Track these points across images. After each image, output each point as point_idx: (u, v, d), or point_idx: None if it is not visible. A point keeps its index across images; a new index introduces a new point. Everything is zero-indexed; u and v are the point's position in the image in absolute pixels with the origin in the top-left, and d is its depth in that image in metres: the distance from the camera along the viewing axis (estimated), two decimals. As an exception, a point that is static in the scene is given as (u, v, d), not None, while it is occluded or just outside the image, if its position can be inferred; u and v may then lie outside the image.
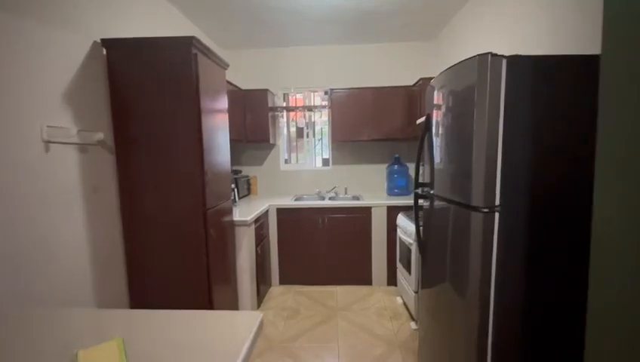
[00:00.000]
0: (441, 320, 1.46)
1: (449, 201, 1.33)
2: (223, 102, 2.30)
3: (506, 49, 1.58)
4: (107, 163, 1.84)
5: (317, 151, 3.87)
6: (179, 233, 1.92)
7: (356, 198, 3.47)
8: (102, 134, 1.72)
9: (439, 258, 1.47)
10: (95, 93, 1.76)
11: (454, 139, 1.27)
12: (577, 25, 1.40)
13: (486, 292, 1.12)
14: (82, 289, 1.65)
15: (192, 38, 1.78)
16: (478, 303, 1.13)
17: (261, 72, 3.65)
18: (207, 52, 1.96)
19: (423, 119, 2.72)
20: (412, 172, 3.58)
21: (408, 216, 2.65)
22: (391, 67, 3.58)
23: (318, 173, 3.78)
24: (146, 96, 1.84)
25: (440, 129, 1.43)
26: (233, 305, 2.44)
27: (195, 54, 1.82)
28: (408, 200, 3.09)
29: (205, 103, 1.93)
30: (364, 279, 3.20)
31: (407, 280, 2.53)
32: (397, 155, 3.52)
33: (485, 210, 1.08)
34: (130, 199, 1.90)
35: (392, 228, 3.06)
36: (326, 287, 3.18)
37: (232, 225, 2.44)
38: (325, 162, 3.85)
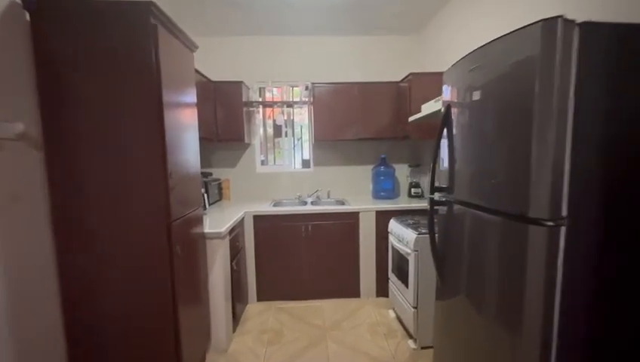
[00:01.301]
0: (472, 354, 1.21)
1: (483, 210, 1.08)
2: (191, 92, 1.92)
3: None
4: (32, 163, 1.39)
5: (296, 151, 3.54)
6: (135, 252, 1.52)
7: (341, 203, 3.19)
8: (22, 125, 1.28)
9: (468, 278, 1.21)
10: (12, 72, 1.31)
11: (496, 133, 1.02)
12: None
13: (547, 330, 0.87)
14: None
15: (150, 3, 1.39)
16: (537, 343, 0.89)
17: (234, 62, 3.27)
18: (170, 26, 1.58)
19: (417, 116, 2.52)
20: (399, 173, 3.38)
21: (402, 222, 2.41)
22: (376, 61, 3.36)
23: (297, 176, 3.46)
24: (90, 78, 1.43)
25: (467, 121, 1.18)
26: (204, 330, 2.05)
27: (155, 26, 1.43)
28: (398, 205, 2.88)
29: (169, 90, 1.55)
30: (352, 291, 2.92)
31: (403, 294, 2.28)
32: (383, 156, 3.29)
33: (549, 223, 0.84)
34: (67, 211, 1.47)
35: (381, 235, 2.81)
36: (310, 302, 2.86)
37: (203, 237, 2.05)
38: (306, 163, 3.54)
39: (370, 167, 3.39)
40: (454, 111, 1.29)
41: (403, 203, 2.97)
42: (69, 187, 1.46)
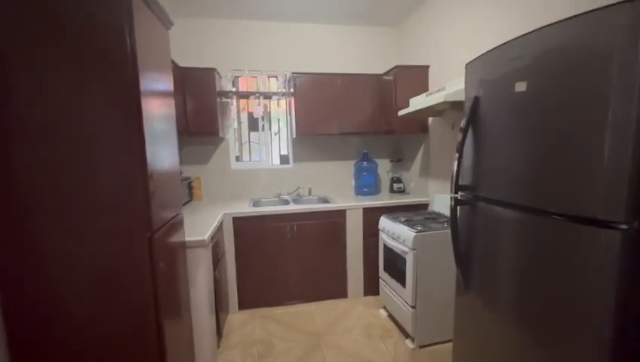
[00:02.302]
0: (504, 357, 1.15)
1: (527, 210, 1.01)
2: (168, 77, 1.64)
3: (490, 36, 1.32)
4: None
5: (273, 146, 3.31)
6: (108, 278, 1.23)
7: (324, 200, 3.05)
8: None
9: (505, 283, 1.13)
10: None
11: (553, 126, 0.93)
12: None
13: (611, 345, 0.81)
14: None
15: (123, -38, 1.11)
16: (596, 355, 0.83)
17: (206, 47, 2.93)
18: (145, -6, 1.29)
19: (407, 111, 2.44)
20: (381, 169, 3.32)
21: (394, 220, 2.35)
22: (358, 53, 3.24)
23: (276, 172, 3.24)
24: (41, 57, 1.11)
25: (507, 114, 1.09)
26: (189, 350, 1.79)
27: (129, -8, 1.15)
28: (383, 201, 2.82)
29: (146, 75, 1.27)
30: (339, 292, 2.82)
31: (399, 294, 2.22)
32: (365, 150, 3.21)
33: (623, 227, 0.78)
34: (8, 225, 1.14)
35: (369, 232, 2.74)
36: (297, 306, 2.70)
37: (184, 246, 1.79)
38: (284, 159, 3.33)
39: (352, 162, 3.29)
40: (485, 104, 1.20)
41: (386, 199, 2.92)
42: (10, 201, 1.13)
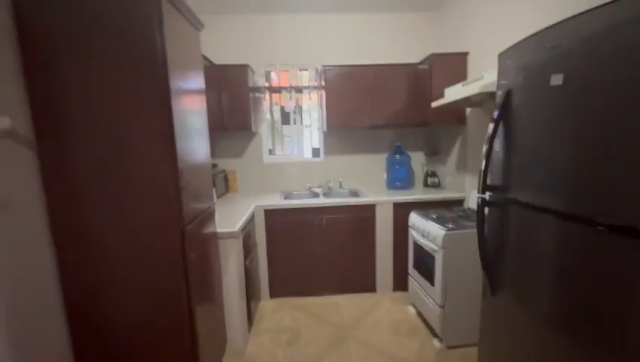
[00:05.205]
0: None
1: (568, 218, 0.92)
2: (199, 76, 1.72)
3: (542, 19, 1.19)
4: (24, 164, 1.21)
5: (304, 140, 3.35)
6: (144, 262, 1.36)
7: (354, 194, 3.03)
8: (8, 120, 1.08)
9: (541, 294, 1.04)
10: (-6, 55, 1.11)
11: (588, 119, 0.83)
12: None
13: None
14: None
15: (152, -29, 1.18)
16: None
17: (238, 44, 3.02)
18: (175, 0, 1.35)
19: (441, 102, 2.32)
20: (415, 163, 3.20)
21: (425, 216, 2.27)
22: (392, 42, 3.12)
23: (307, 166, 3.28)
24: (84, 63, 1.23)
25: (546, 108, 0.98)
26: (221, 333, 1.93)
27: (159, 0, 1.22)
28: (415, 196, 2.72)
29: (176, 75, 1.35)
30: (368, 286, 2.81)
31: (428, 292, 2.17)
32: (398, 143, 3.11)
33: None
34: (66, 217, 1.30)
35: (399, 227, 2.68)
36: (326, 298, 2.75)
37: (216, 237, 1.90)
38: (315, 152, 3.35)
39: (384, 155, 3.21)
40: (519, 96, 1.09)
41: (419, 193, 2.82)
42: (68, 190, 1.28)
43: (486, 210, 1.25)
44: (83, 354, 1.39)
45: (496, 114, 1.15)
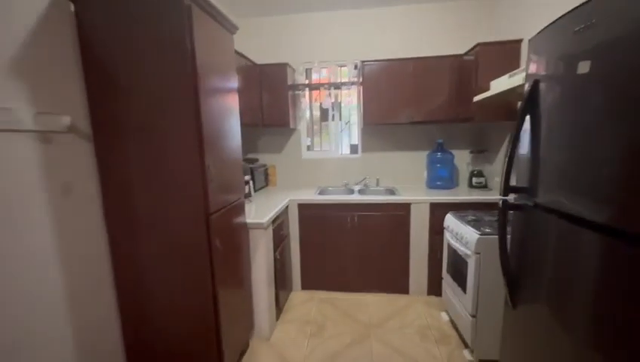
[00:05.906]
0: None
1: (601, 231, 0.79)
2: (232, 77, 1.83)
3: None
4: (83, 155, 1.43)
5: (343, 136, 3.35)
6: (177, 245, 1.52)
7: (390, 192, 2.96)
8: (69, 118, 1.30)
9: (569, 311, 0.92)
10: (60, 64, 1.33)
11: (623, 118, 0.71)
12: None
13: None
14: (53, 322, 1.28)
15: (183, -18, 1.30)
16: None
17: (278, 43, 3.13)
18: (206, 6, 1.47)
19: (483, 96, 2.14)
20: (459, 161, 3.01)
21: (461, 218, 2.12)
22: (435, 33, 2.95)
23: (345, 162, 3.28)
24: (129, 67, 1.40)
25: (576, 102, 0.87)
26: (247, 318, 2.06)
27: (189, 7, 1.34)
28: (456, 196, 2.56)
29: (206, 77, 1.46)
30: (400, 287, 2.73)
31: (460, 299, 2.03)
32: (440, 140, 2.94)
33: None
34: (117, 201, 1.51)
35: (435, 229, 2.55)
36: (355, 295, 2.74)
37: (246, 227, 2.02)
38: (353, 149, 3.34)
39: (425, 153, 3.07)
40: (547, 88, 0.97)
41: (462, 194, 2.64)
42: (118, 178, 1.49)
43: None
44: (128, 325, 1.62)
45: (520, 109, 1.04)
